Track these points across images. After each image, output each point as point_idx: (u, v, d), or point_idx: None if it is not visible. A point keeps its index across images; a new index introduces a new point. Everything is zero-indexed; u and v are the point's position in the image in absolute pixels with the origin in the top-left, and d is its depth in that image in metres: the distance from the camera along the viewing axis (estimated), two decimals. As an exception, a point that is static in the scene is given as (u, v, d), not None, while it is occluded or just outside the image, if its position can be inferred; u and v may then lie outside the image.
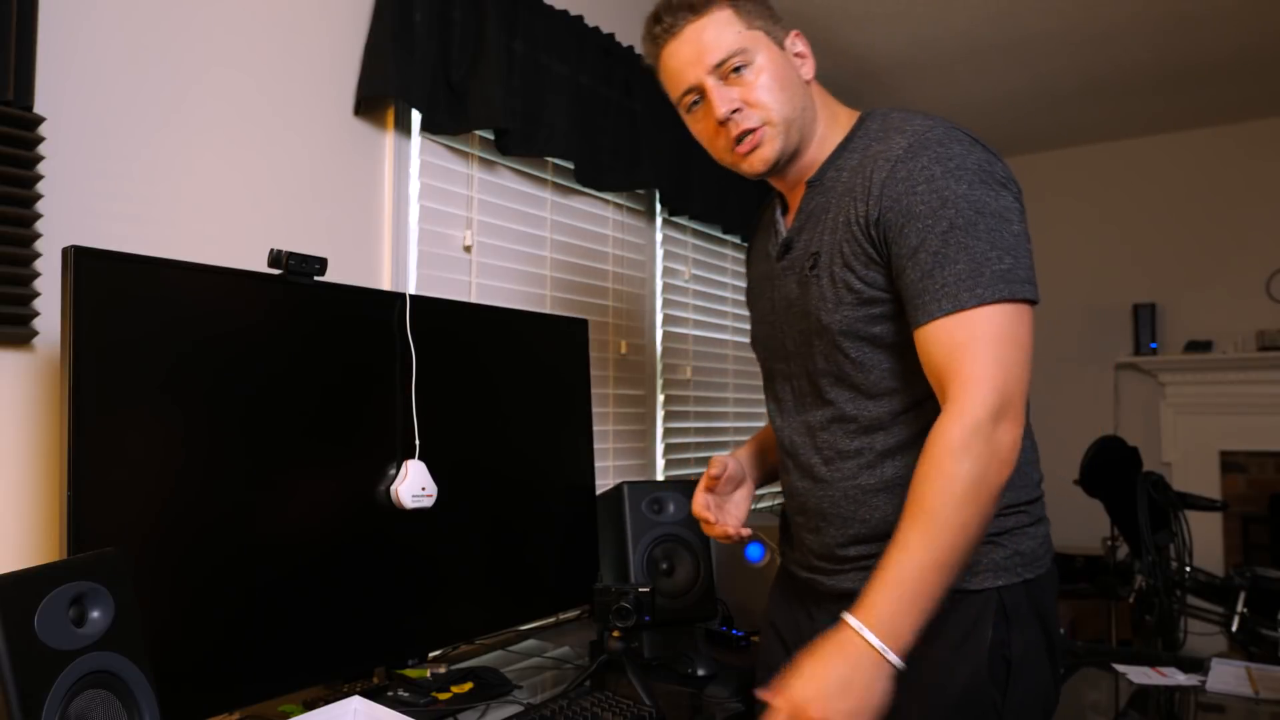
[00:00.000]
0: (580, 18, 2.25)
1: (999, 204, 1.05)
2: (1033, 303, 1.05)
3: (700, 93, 1.21)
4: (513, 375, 1.74)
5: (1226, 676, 1.81)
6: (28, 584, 0.92)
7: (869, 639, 0.96)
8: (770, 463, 1.48)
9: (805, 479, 1.25)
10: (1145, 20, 3.14)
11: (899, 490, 1.14)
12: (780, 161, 1.22)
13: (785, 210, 1.30)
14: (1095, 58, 3.46)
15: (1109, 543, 2.93)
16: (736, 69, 1.18)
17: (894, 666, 0.96)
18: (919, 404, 1.15)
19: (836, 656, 0.97)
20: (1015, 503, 1.15)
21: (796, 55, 1.24)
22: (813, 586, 1.26)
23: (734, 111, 1.19)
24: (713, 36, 1.18)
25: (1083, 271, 4.56)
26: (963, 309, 1.02)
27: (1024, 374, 1.03)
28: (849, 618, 0.98)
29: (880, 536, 1.15)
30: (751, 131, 1.19)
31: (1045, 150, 4.67)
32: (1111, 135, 4.44)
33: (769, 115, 1.19)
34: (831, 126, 1.24)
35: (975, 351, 1.01)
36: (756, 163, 1.22)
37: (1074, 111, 4.08)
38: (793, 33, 1.25)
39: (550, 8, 2.16)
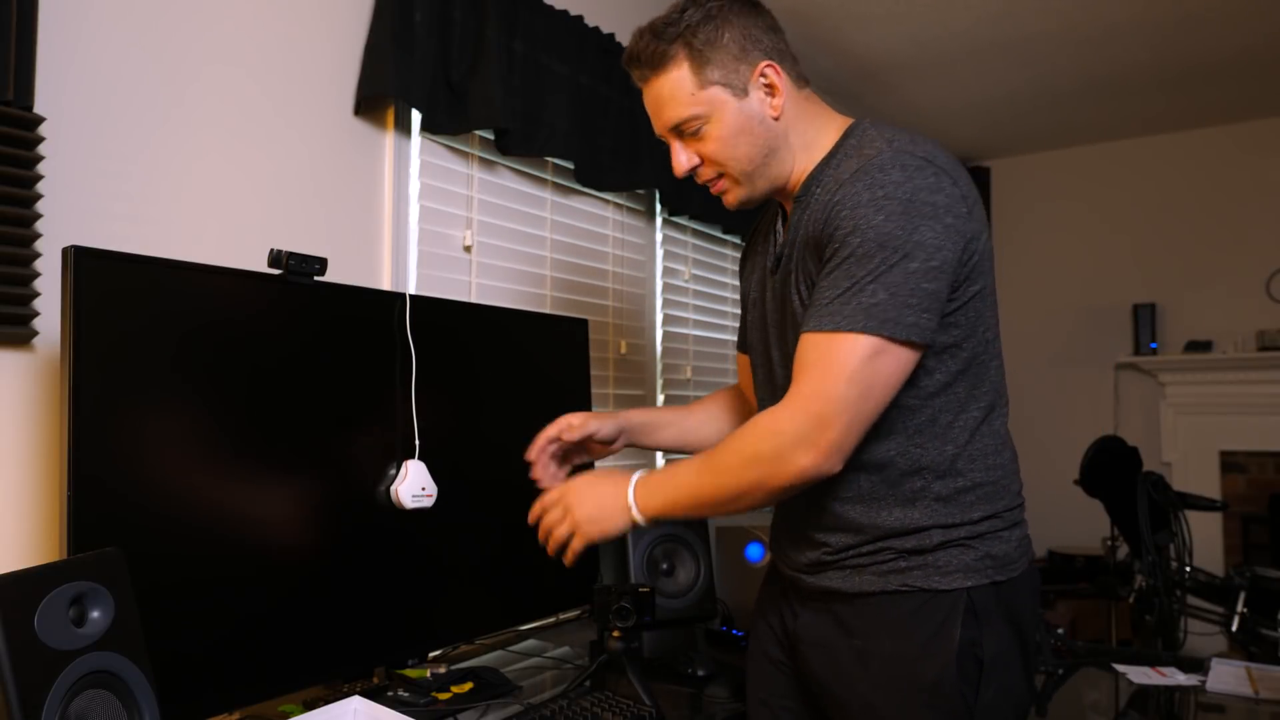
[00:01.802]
0: (580, 18, 2.25)
1: (911, 238, 1.05)
2: (906, 341, 1.06)
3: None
4: (513, 375, 1.74)
5: (1226, 676, 1.81)
6: (28, 584, 0.92)
7: (630, 494, 1.20)
8: (662, 437, 1.50)
9: None
10: (1145, 20, 3.14)
11: (873, 503, 1.17)
12: (751, 203, 1.27)
13: (785, 220, 1.31)
14: (1095, 58, 3.46)
15: (1109, 543, 2.93)
16: (694, 131, 1.22)
17: (634, 518, 1.20)
18: (889, 426, 1.16)
19: (609, 489, 1.22)
20: (991, 514, 1.17)
21: (765, 88, 1.21)
22: (796, 584, 1.29)
23: (694, 167, 1.25)
24: (668, 97, 1.21)
25: (1082, 271, 4.56)
26: (822, 330, 1.08)
27: (854, 407, 1.06)
28: (635, 474, 1.22)
29: (857, 544, 1.18)
30: (713, 181, 1.26)
31: (1045, 150, 4.67)
32: (1111, 135, 4.44)
33: (726, 170, 1.24)
34: (818, 140, 1.23)
35: (816, 373, 1.08)
36: (728, 204, 1.28)
37: (1074, 111, 4.08)
38: (761, 64, 1.20)
39: (550, 8, 2.16)
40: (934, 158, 1.11)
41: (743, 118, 1.20)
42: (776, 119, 1.21)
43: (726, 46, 1.19)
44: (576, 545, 1.25)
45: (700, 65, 1.19)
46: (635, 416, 1.49)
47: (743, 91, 1.20)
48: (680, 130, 1.23)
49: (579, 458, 1.46)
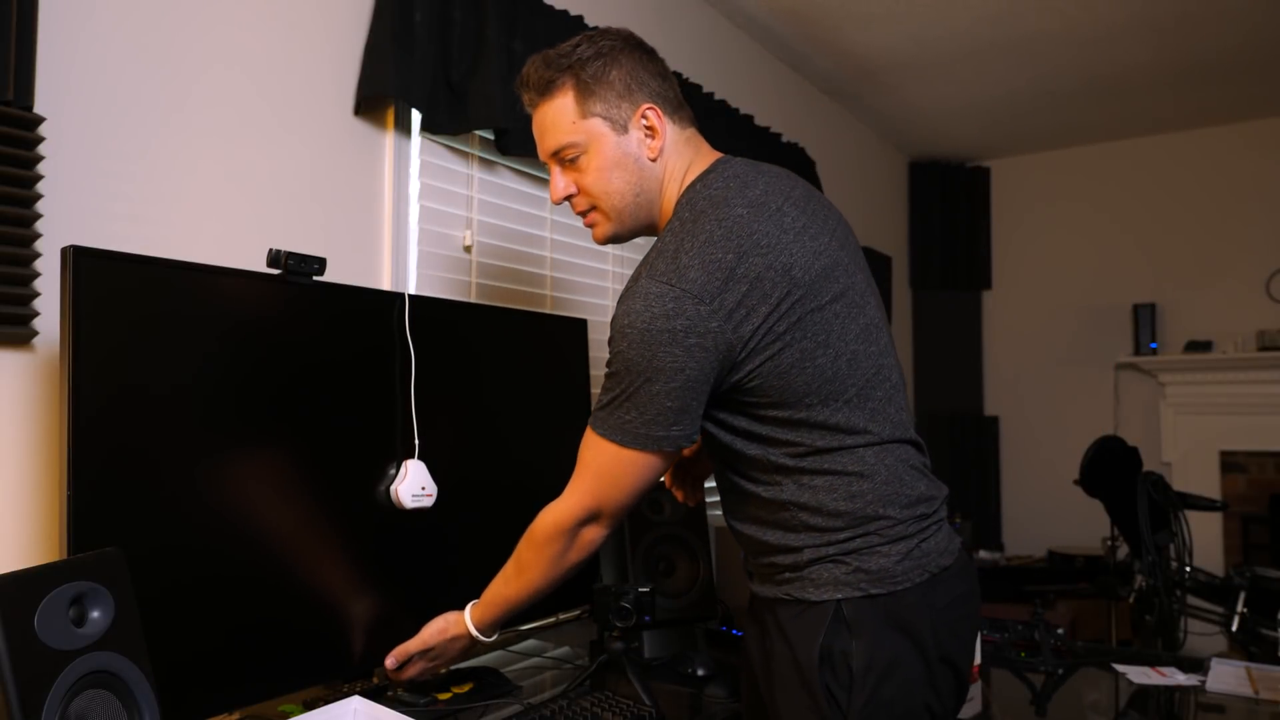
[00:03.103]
0: (580, 18, 2.25)
1: (652, 364, 1.14)
2: (656, 451, 1.19)
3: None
4: (512, 375, 1.74)
5: (1226, 676, 1.81)
6: (28, 584, 0.92)
7: (470, 627, 1.40)
8: None
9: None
10: (1145, 20, 3.14)
11: (759, 525, 1.26)
12: (619, 239, 1.34)
13: None
14: (1096, 58, 3.46)
15: (1109, 543, 2.93)
16: (572, 159, 1.28)
17: (479, 639, 1.41)
18: (752, 476, 1.24)
19: (455, 637, 1.41)
20: (863, 532, 1.19)
21: (646, 129, 1.26)
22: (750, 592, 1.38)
23: (568, 197, 1.32)
24: (550, 124, 1.28)
25: (1083, 271, 4.56)
26: (594, 431, 1.22)
27: (617, 499, 1.24)
28: (466, 610, 1.41)
29: (757, 556, 1.28)
30: (586, 213, 1.33)
31: (1045, 150, 4.67)
32: (1112, 135, 4.44)
33: (598, 204, 1.30)
34: (679, 194, 1.27)
35: (584, 465, 1.24)
36: (596, 238, 1.35)
37: (1074, 111, 4.08)
38: (642, 107, 1.26)
39: (550, 8, 2.16)
40: (683, 276, 1.13)
41: (619, 153, 1.27)
42: (654, 160, 1.27)
43: (612, 83, 1.26)
44: (429, 676, 1.48)
45: (584, 96, 1.26)
46: None
47: (623, 128, 1.26)
48: (560, 157, 1.29)
49: (699, 469, 1.56)
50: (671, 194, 1.28)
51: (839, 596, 1.18)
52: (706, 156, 1.30)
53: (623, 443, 1.19)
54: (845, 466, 1.19)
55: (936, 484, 1.27)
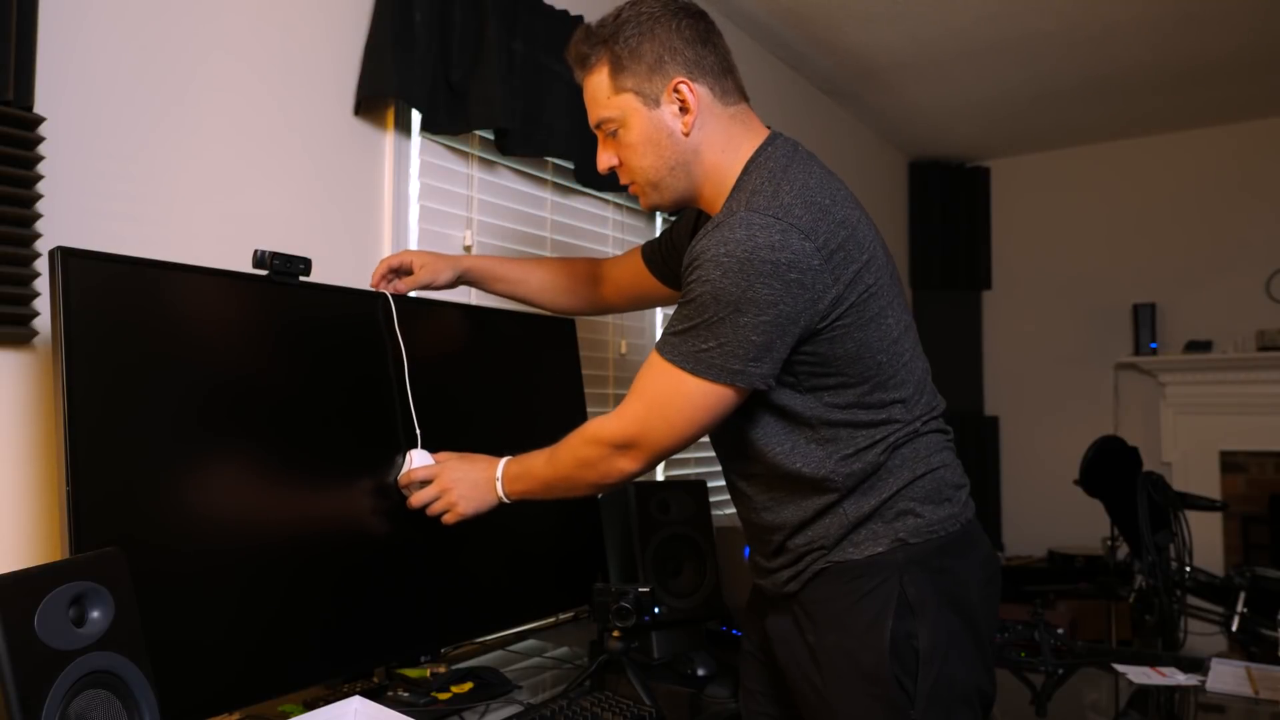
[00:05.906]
0: (580, 18, 2.25)
1: (746, 295, 1.11)
2: (729, 385, 1.15)
3: None
4: (504, 375, 1.74)
5: (1226, 676, 1.81)
6: (28, 584, 0.92)
7: (498, 479, 1.38)
8: (500, 289, 1.69)
9: (735, 500, 1.38)
10: (1145, 20, 3.14)
11: (791, 525, 1.26)
12: (661, 209, 1.34)
13: None
14: (1095, 57, 3.46)
15: (1109, 543, 2.93)
16: (611, 132, 1.29)
17: (500, 498, 1.40)
18: (779, 466, 1.24)
19: (481, 474, 1.39)
20: (902, 496, 1.22)
21: (679, 105, 1.25)
22: (762, 591, 1.38)
23: (612, 167, 1.33)
24: (590, 98, 1.30)
25: (1083, 271, 4.56)
26: (662, 355, 1.19)
27: (667, 434, 1.20)
28: (503, 460, 1.39)
29: (784, 551, 1.28)
30: (631, 183, 1.33)
31: (1045, 150, 4.67)
32: (1111, 135, 4.43)
33: (635, 177, 1.31)
34: (732, 166, 1.26)
35: (637, 391, 1.23)
36: (642, 206, 1.36)
37: (1074, 111, 4.08)
38: (674, 81, 1.24)
39: (550, 8, 2.16)
40: (789, 212, 1.13)
41: (651, 128, 1.26)
42: (687, 135, 1.26)
43: (643, 57, 1.24)
44: (451, 519, 1.41)
45: (616, 71, 1.26)
46: (477, 265, 1.67)
47: (654, 103, 1.26)
48: (601, 130, 1.31)
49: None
50: (715, 167, 1.27)
51: (879, 550, 1.20)
52: (758, 131, 1.29)
53: (693, 370, 1.16)
54: (889, 436, 1.22)
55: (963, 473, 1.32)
